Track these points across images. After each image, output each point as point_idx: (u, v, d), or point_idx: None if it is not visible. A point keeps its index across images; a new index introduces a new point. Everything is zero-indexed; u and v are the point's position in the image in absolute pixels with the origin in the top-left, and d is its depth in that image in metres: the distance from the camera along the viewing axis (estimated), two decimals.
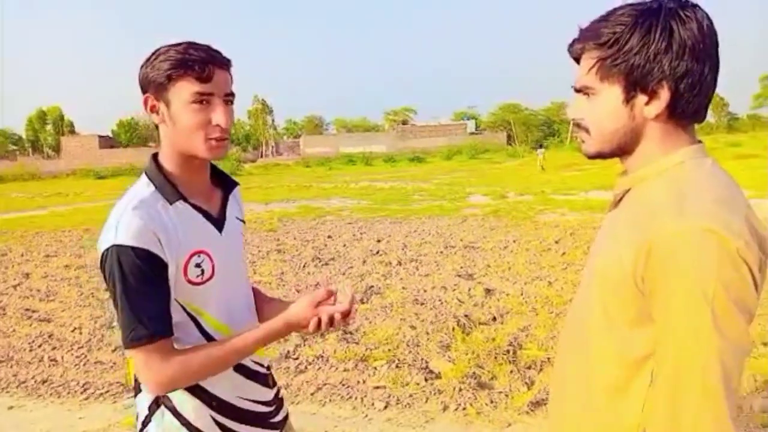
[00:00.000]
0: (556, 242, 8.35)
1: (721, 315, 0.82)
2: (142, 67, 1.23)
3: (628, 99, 0.95)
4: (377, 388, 3.73)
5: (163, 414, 1.30)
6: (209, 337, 1.30)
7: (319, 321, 1.28)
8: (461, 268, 7.03)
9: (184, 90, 1.18)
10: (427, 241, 9.07)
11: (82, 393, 3.86)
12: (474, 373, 3.82)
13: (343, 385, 3.79)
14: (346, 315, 1.30)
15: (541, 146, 32.78)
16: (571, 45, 1.02)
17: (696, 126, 1.00)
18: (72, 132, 72.84)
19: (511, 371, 3.82)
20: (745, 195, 0.94)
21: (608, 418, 0.99)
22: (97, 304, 6.07)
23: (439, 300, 5.61)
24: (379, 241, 9.33)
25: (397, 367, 4.00)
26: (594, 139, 1.01)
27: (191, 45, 1.21)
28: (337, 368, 4.03)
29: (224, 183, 1.42)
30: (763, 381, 3.48)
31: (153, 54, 1.22)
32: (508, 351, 4.13)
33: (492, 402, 3.44)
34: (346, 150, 53.63)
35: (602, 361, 0.99)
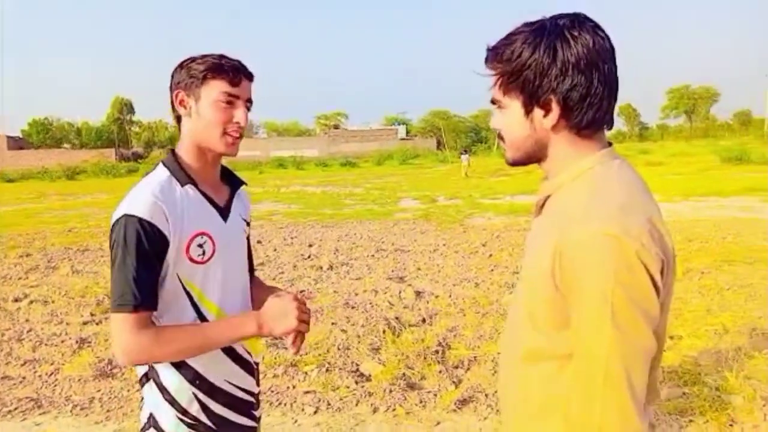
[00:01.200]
0: (483, 245, 8.62)
1: (620, 313, 0.88)
2: (176, 69, 1.41)
3: (527, 112, 1.02)
4: (307, 392, 3.70)
5: (150, 387, 1.40)
6: (201, 315, 1.39)
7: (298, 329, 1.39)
8: (392, 271, 7.11)
9: (215, 89, 1.37)
10: (358, 245, 9.10)
11: None
12: (404, 374, 3.87)
13: (273, 391, 3.73)
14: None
15: (466, 152, 30.20)
16: (485, 61, 1.08)
17: (607, 132, 1.06)
18: None
19: (440, 371, 3.91)
20: (653, 196, 1.01)
21: (541, 408, 1.05)
22: (4, 316, 5.65)
23: (370, 303, 5.65)
24: (310, 245, 9.26)
25: (327, 371, 3.99)
26: (508, 148, 1.09)
27: (224, 55, 1.41)
28: (266, 374, 3.96)
29: (232, 182, 1.57)
30: (669, 371, 3.75)
31: (188, 60, 1.41)
32: (436, 351, 4.22)
33: (421, 402, 3.50)
34: (277, 154, 52.79)
35: (534, 357, 1.04)
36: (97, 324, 5.32)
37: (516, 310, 1.12)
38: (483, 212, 12.99)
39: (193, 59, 1.40)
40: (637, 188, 0.99)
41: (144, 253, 1.27)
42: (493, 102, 1.07)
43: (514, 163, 1.10)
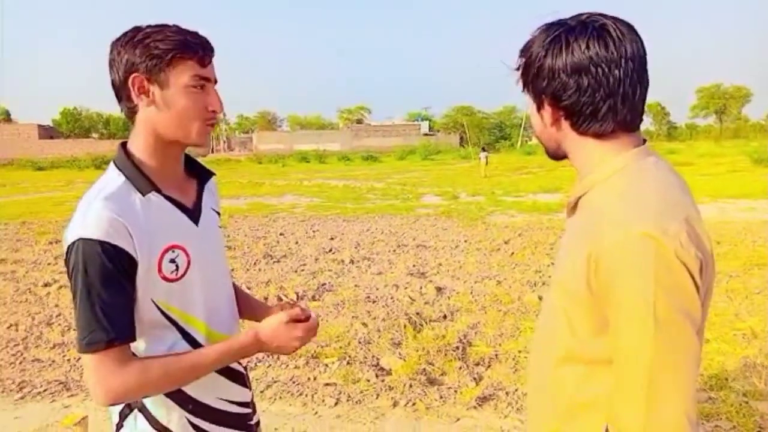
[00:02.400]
0: (506, 243, 8.55)
1: (663, 317, 0.85)
2: (123, 45, 1.16)
3: (538, 108, 1.05)
4: (328, 385, 3.73)
5: (135, 418, 1.24)
6: (188, 336, 1.25)
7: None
8: (413, 266, 7.11)
9: (184, 73, 1.16)
10: (379, 240, 9.11)
11: (18, 392, 3.68)
12: (424, 369, 3.87)
13: (294, 382, 3.77)
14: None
15: (484, 150, 27.25)
16: None
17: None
18: (7, 120, 69.00)
19: (460, 367, 3.90)
20: (691, 195, 0.97)
21: (571, 412, 1.04)
22: (34, 300, 5.80)
23: (391, 298, 5.65)
24: (332, 238, 9.30)
25: (348, 363, 4.01)
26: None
27: (182, 28, 1.18)
28: (287, 365, 4.00)
29: (199, 173, 1.37)
30: None
31: (138, 33, 1.15)
32: (457, 348, 4.21)
33: (441, 397, 3.50)
34: (299, 147, 53.12)
35: (568, 360, 1.03)
36: None
37: (549, 312, 1.10)
38: (505, 210, 12.89)
39: (146, 34, 1.14)
40: (673, 187, 0.96)
41: (111, 279, 1.09)
42: None
43: (548, 156, 1.12)
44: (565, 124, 1.01)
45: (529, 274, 6.52)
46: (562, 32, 0.97)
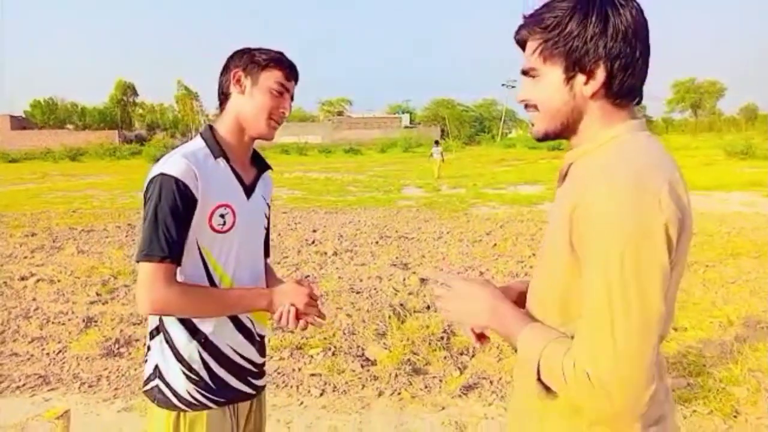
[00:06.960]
0: (487, 234, 8.62)
1: (631, 267, 0.87)
2: (235, 55, 1.52)
3: (569, 79, 1.00)
4: (313, 375, 3.73)
5: (160, 340, 1.48)
6: (212, 283, 1.47)
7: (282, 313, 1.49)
8: (396, 258, 7.12)
9: (273, 77, 1.50)
10: (362, 232, 9.11)
11: None
12: (409, 359, 3.89)
13: (279, 373, 3.76)
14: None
15: (437, 143, 22.41)
16: (517, 32, 1.06)
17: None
18: None
19: (445, 357, 3.93)
20: (678, 168, 0.98)
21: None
22: (10, 294, 5.68)
23: (375, 289, 5.67)
24: (314, 231, 9.27)
25: (333, 354, 4.01)
26: (542, 119, 1.06)
27: (282, 53, 1.54)
28: (272, 357, 3.99)
29: (259, 164, 1.65)
30: (673, 362, 3.76)
31: (249, 48, 1.53)
32: (441, 338, 4.24)
33: (426, 387, 3.52)
34: (280, 140, 52.70)
35: (570, 323, 1.01)
36: (103, 304, 5.35)
37: (542, 279, 1.09)
38: (486, 202, 12.98)
39: (257, 49, 1.53)
40: (661, 157, 0.97)
41: (176, 211, 1.34)
42: (526, 72, 1.05)
43: (545, 137, 1.08)
44: (601, 92, 0.99)
45: (512, 265, 6.58)
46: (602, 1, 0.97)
